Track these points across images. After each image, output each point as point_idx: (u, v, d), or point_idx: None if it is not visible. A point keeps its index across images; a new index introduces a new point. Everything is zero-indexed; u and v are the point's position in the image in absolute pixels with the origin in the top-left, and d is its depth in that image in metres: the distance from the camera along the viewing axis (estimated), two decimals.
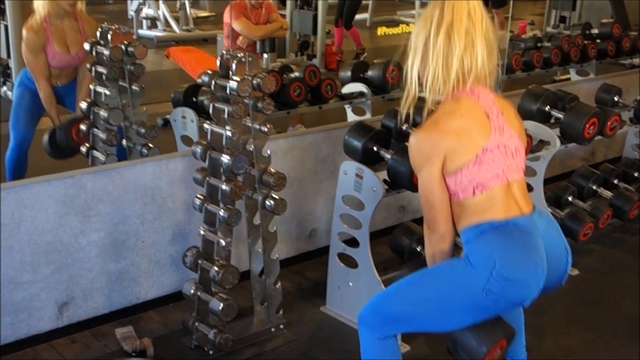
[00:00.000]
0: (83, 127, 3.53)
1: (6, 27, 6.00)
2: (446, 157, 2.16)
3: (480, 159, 2.15)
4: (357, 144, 3.10)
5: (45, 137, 3.86)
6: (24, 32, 3.75)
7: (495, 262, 2.09)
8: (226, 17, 5.43)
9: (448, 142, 2.15)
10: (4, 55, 6.24)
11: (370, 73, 4.70)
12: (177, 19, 10.13)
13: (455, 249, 2.28)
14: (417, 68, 2.22)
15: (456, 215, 2.24)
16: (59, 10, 3.70)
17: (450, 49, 2.15)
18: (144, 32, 10.01)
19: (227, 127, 2.83)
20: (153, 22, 10.17)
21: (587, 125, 3.68)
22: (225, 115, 2.83)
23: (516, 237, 2.16)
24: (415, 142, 2.21)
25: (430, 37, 2.17)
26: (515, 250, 2.14)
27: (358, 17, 9.54)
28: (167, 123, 4.69)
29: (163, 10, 9.93)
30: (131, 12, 10.25)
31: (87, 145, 3.53)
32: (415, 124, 2.31)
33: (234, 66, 2.82)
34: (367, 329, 2.30)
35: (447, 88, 2.20)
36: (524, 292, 2.13)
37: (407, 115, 2.30)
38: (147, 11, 10.06)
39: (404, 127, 3.24)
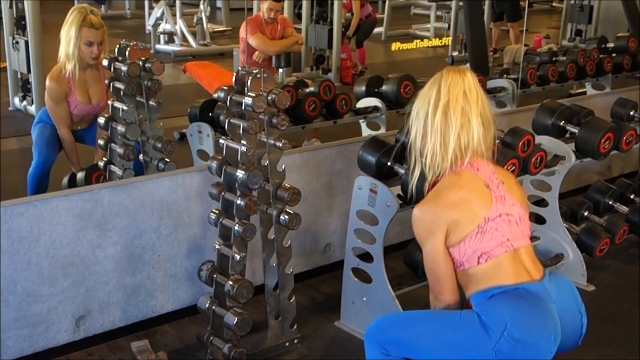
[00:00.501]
0: (101, 141, 3.57)
1: (27, 42, 6.11)
2: (449, 229, 2.23)
3: (483, 229, 2.21)
4: (371, 159, 3.12)
5: (65, 181, 3.92)
6: (48, 82, 3.84)
7: (506, 322, 2.12)
8: (242, 32, 5.49)
9: (450, 214, 2.23)
10: (24, 70, 6.34)
11: (384, 88, 4.73)
12: (194, 34, 10.23)
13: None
14: (419, 144, 2.34)
15: (464, 284, 2.29)
16: (83, 62, 3.78)
17: (448, 127, 2.26)
18: (162, 46, 10.11)
19: (243, 143, 2.86)
20: (170, 37, 10.28)
21: (603, 140, 3.67)
22: (241, 131, 2.86)
23: (528, 300, 2.18)
24: (418, 215, 2.29)
25: (429, 116, 2.28)
26: (527, 312, 2.16)
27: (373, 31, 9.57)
28: (183, 137, 4.73)
29: (180, 25, 10.03)
30: (149, 27, 10.37)
31: (104, 159, 3.57)
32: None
33: (249, 82, 2.85)
34: (372, 343, 2.34)
35: (446, 164, 2.30)
36: (534, 355, 2.13)
37: (415, 191, 2.45)
38: (164, 26, 10.16)
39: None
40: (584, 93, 6.29)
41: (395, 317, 2.43)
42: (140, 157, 3.66)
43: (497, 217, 2.23)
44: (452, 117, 2.25)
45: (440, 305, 2.31)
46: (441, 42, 9.50)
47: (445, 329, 2.25)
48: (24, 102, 6.53)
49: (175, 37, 10.11)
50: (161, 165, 3.59)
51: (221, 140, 2.97)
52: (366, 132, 4.72)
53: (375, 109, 4.68)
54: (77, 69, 3.77)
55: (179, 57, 9.65)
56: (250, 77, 2.85)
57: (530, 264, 2.27)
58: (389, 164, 3.11)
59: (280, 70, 5.79)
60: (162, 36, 10.29)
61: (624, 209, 4.21)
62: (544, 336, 2.13)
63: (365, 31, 8.58)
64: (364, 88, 4.79)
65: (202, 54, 9.81)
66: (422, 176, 2.39)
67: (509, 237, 2.24)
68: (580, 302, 2.33)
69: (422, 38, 10.76)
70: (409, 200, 2.98)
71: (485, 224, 2.21)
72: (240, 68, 2.92)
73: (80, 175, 3.79)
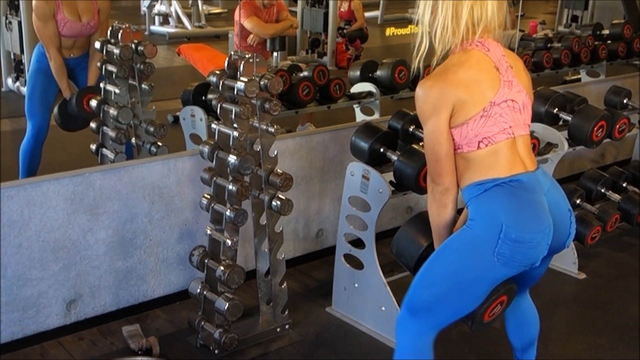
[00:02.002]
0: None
1: (19, 23, 6.06)
2: (454, 108, 2.13)
3: (488, 113, 2.13)
4: (364, 145, 3.11)
5: (56, 109, 3.85)
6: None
7: (501, 224, 2.08)
8: (237, 15, 5.45)
9: (457, 93, 2.12)
10: (17, 51, 6.30)
11: (379, 73, 4.70)
12: (189, 16, 10.16)
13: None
14: (427, 19, 2.20)
15: (460, 170, 2.21)
16: None
17: None
18: (156, 28, 10.06)
19: (235, 127, 2.85)
20: (165, 19, 10.23)
21: (595, 128, 3.67)
22: (233, 116, 2.84)
23: (521, 196, 2.14)
24: (423, 91, 2.16)
25: None
26: (520, 210, 2.12)
27: (369, 14, 9.56)
28: (177, 120, 4.71)
29: (175, 6, 9.98)
30: (143, 9, 10.30)
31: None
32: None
33: (241, 67, 2.83)
34: (404, 331, 2.31)
35: (457, 39, 2.17)
36: (533, 251, 2.13)
37: (418, 69, 2.25)
38: (159, 8, 10.11)
39: (411, 128, 3.25)
40: (579, 80, 6.28)
41: (411, 289, 2.31)
42: (133, 140, 3.65)
43: (502, 102, 2.14)
44: None
45: (438, 189, 2.21)
46: None
47: (447, 262, 2.20)
48: (17, 83, 6.50)
49: (170, 19, 10.07)
50: (153, 149, 3.58)
51: (213, 125, 2.95)
52: (360, 117, 4.71)
53: (370, 94, 4.66)
54: None
55: (173, 39, 9.60)
56: (242, 62, 2.83)
57: (526, 155, 2.21)
58: (381, 150, 3.10)
59: (275, 53, 5.75)
60: (157, 18, 10.24)
61: (616, 197, 4.22)
62: (539, 230, 2.11)
63: (358, 34, 8.52)
64: (358, 73, 4.77)
65: (197, 36, 9.77)
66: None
67: (512, 124, 2.16)
68: (569, 203, 2.29)
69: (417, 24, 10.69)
70: (412, 80, 2.84)
71: (490, 108, 2.12)
72: (232, 52, 2.90)
73: (71, 99, 3.70)
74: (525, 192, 2.15)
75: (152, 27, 10.04)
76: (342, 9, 8.20)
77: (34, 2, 3.73)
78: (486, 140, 2.14)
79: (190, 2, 10.45)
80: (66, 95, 3.81)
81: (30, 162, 3.90)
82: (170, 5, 10.00)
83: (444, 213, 2.24)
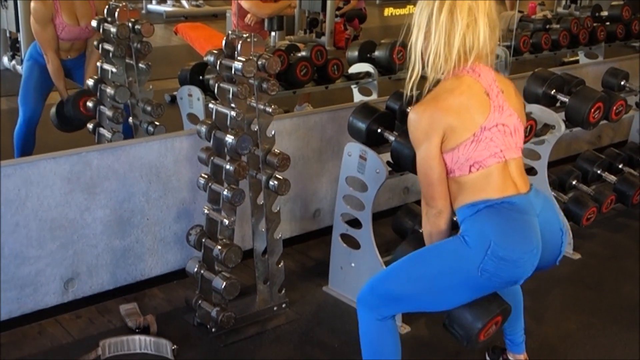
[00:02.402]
0: (90, 103, 3.54)
1: (15, 1, 6.02)
2: (445, 134, 2.16)
3: (478, 138, 2.17)
4: (361, 125, 3.11)
5: (53, 110, 3.85)
6: (33, 2, 3.70)
7: (490, 241, 2.12)
8: None
9: (447, 119, 2.16)
10: (13, 29, 6.27)
11: (377, 53, 4.69)
12: None
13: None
14: (420, 45, 2.22)
15: (453, 193, 2.25)
16: None
17: (453, 26, 2.15)
18: (153, 7, 10.00)
19: (232, 107, 2.85)
20: None
21: (592, 110, 3.67)
22: (230, 95, 2.84)
23: (511, 217, 2.18)
24: (415, 117, 2.21)
25: (433, 14, 2.17)
26: (510, 229, 2.16)
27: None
28: (174, 99, 4.70)
29: None
30: None
31: (93, 121, 3.54)
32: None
33: (239, 46, 2.82)
34: (365, 309, 2.33)
35: (449, 66, 2.20)
36: (519, 270, 2.16)
37: (411, 97, 2.30)
38: None
39: (408, 109, 3.23)
40: (577, 61, 6.27)
41: (382, 274, 2.39)
42: (130, 120, 3.64)
43: (493, 127, 2.18)
44: (458, 15, 2.14)
45: (432, 212, 2.26)
46: None
47: (429, 264, 2.25)
48: (13, 62, 6.47)
49: None
50: (150, 128, 3.58)
51: (210, 105, 2.95)
52: (358, 97, 4.70)
53: (367, 74, 4.66)
54: None
55: (171, 17, 9.55)
56: (240, 41, 2.82)
57: (519, 177, 2.25)
58: (379, 130, 3.11)
59: (273, 33, 5.72)
60: None
61: (612, 178, 4.23)
62: (527, 251, 2.15)
63: (356, 14, 8.49)
64: (356, 53, 4.75)
65: (195, 15, 9.71)
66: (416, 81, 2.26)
67: (502, 148, 2.20)
68: (562, 222, 2.33)
69: (415, 4, 10.65)
70: (406, 103, 2.87)
71: (481, 133, 2.16)
72: (230, 32, 2.89)
73: (67, 101, 3.70)
74: (516, 213, 2.19)
75: (149, 6, 9.98)
76: None
77: (32, 5, 3.73)
78: (477, 165, 2.18)
79: None
80: (63, 97, 3.82)
81: (24, 145, 3.91)
82: None
83: (438, 235, 2.30)
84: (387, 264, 3.11)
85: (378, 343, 2.37)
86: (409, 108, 3.12)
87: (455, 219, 2.30)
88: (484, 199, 2.19)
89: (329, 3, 7.68)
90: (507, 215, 2.18)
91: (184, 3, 9.94)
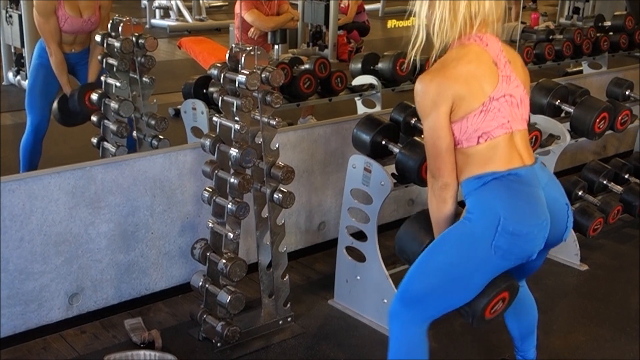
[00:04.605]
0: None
1: (20, 16, 6.05)
2: (454, 103, 2.13)
3: (487, 108, 2.14)
4: (366, 137, 3.10)
5: (55, 104, 3.83)
6: None
7: (499, 217, 2.10)
8: (237, 8, 5.44)
9: (456, 88, 2.13)
10: (17, 45, 6.29)
11: (380, 65, 4.69)
12: (189, 9, 10.14)
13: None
14: (425, 12, 2.20)
15: (459, 165, 2.21)
16: None
17: None
18: (157, 21, 10.04)
19: (236, 120, 2.84)
20: (166, 12, 10.20)
21: (598, 120, 3.66)
22: (234, 109, 2.84)
23: (518, 190, 2.15)
24: (422, 86, 2.16)
25: None
26: (518, 203, 2.13)
27: (370, 7, 9.53)
28: (178, 113, 4.70)
29: None
30: (144, 2, 10.28)
31: (98, 135, 3.53)
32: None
33: (242, 59, 2.82)
34: (397, 321, 2.31)
35: (454, 32, 2.17)
36: (530, 245, 2.14)
37: (415, 63, 2.26)
38: (160, 1, 10.09)
39: (412, 121, 3.24)
40: (581, 72, 6.26)
41: (406, 280, 2.32)
42: (134, 134, 3.64)
43: (501, 97, 2.15)
44: None
45: (438, 184, 2.21)
46: None
47: (444, 254, 2.21)
48: (18, 77, 6.49)
49: (171, 12, 10.04)
50: (155, 142, 3.58)
51: (214, 118, 2.95)
52: (362, 109, 4.70)
53: (371, 86, 4.65)
54: None
55: (174, 32, 9.58)
56: (243, 55, 2.82)
57: (524, 149, 2.22)
58: (383, 142, 3.10)
59: (276, 46, 5.73)
60: (157, 11, 10.22)
61: (618, 188, 4.21)
62: (536, 224, 2.13)
63: (356, 26, 8.50)
64: (359, 65, 4.75)
65: (198, 29, 9.74)
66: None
67: (510, 118, 2.17)
68: (566, 197, 2.30)
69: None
70: (411, 74, 2.85)
71: (489, 102, 2.13)
72: (234, 45, 2.89)
73: (72, 95, 3.68)
74: (523, 185, 2.16)
75: (153, 21, 10.02)
76: (342, 5, 8.18)
77: None
78: (485, 135, 2.15)
79: None
80: (67, 91, 3.80)
81: (30, 157, 3.90)
82: None
83: (444, 208, 2.24)
84: (393, 276, 3.10)
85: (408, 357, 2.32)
86: (413, 120, 3.15)
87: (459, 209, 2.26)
88: (490, 171, 2.15)
89: (331, 16, 7.69)
90: (514, 188, 2.14)
91: (188, 17, 9.97)
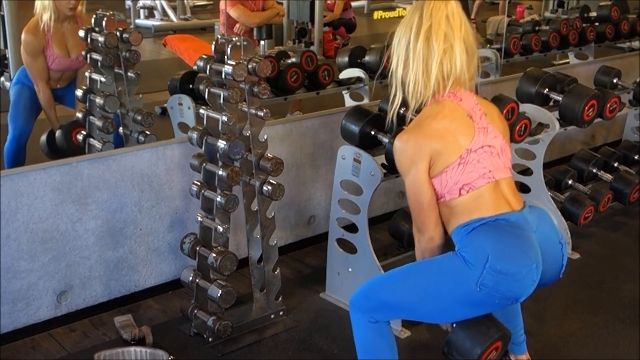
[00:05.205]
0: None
1: (3, 17, 5.96)
2: (431, 159, 2.19)
3: (465, 160, 2.19)
4: (355, 128, 3.08)
5: (43, 138, 3.81)
6: (23, 34, 3.69)
7: (488, 255, 2.10)
8: (222, 4, 5.39)
9: (432, 144, 2.19)
10: (1, 45, 6.21)
11: (367, 58, 4.67)
12: (174, 8, 10.07)
13: (447, 245, 2.29)
14: (400, 73, 2.28)
15: (445, 217, 2.26)
16: (60, 13, 3.62)
17: (430, 53, 2.21)
18: (141, 21, 9.95)
19: (223, 112, 2.81)
20: (150, 12, 10.12)
21: (586, 108, 3.65)
22: (221, 100, 2.80)
23: (508, 231, 2.17)
24: (400, 145, 2.25)
25: (411, 42, 2.23)
26: (507, 243, 2.15)
27: (355, 4, 9.50)
28: (165, 112, 4.64)
29: None
30: (128, 2, 10.19)
31: (83, 132, 3.50)
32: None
33: (229, 50, 2.79)
34: (358, 312, 2.31)
35: (428, 92, 2.24)
36: (518, 285, 2.13)
37: (392, 123, 2.43)
38: (144, 1, 10.01)
39: (402, 110, 3.20)
40: (567, 63, 6.26)
41: (377, 281, 2.39)
42: (120, 130, 3.60)
43: (479, 149, 2.20)
44: (434, 42, 2.19)
45: (424, 238, 2.26)
46: None
47: (426, 277, 2.22)
48: (2, 78, 6.39)
49: (155, 12, 9.97)
50: (141, 138, 3.53)
51: (201, 110, 2.92)
52: (349, 103, 4.67)
53: (358, 79, 4.63)
54: (54, 20, 3.60)
55: (159, 31, 9.50)
56: (230, 45, 2.79)
57: (511, 195, 2.25)
58: (372, 133, 3.07)
59: (262, 42, 5.69)
60: (142, 11, 10.14)
61: (608, 177, 4.21)
62: (525, 265, 2.12)
63: (342, 23, 8.47)
64: (346, 59, 4.73)
65: (183, 28, 9.67)
66: (401, 107, 2.33)
67: (491, 168, 2.21)
68: (560, 234, 2.31)
69: (405, 8, 10.66)
70: (388, 132, 2.93)
71: (467, 155, 2.18)
72: (219, 36, 2.85)
73: (59, 132, 3.67)
74: (514, 228, 2.18)
75: (137, 21, 9.93)
76: (328, 2, 8.15)
77: (23, 36, 3.71)
78: (467, 187, 2.19)
79: None
80: (54, 127, 3.78)
81: (15, 161, 3.85)
82: None
83: (431, 255, 2.29)
84: (385, 268, 3.08)
85: (373, 347, 2.34)
86: (402, 109, 3.13)
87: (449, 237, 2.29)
88: (477, 217, 2.19)
89: (317, 13, 7.66)
90: (504, 229, 2.17)
91: (172, 17, 9.90)
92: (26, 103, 3.80)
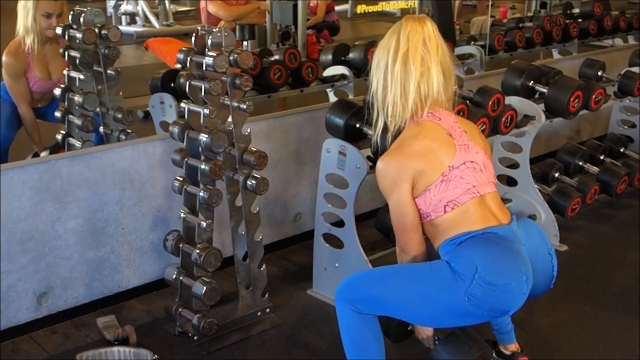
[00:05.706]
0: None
1: None
2: (414, 179, 2.21)
3: (448, 177, 2.20)
4: (339, 121, 3.04)
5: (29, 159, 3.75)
6: (4, 57, 3.63)
7: (477, 266, 2.09)
8: (202, 3, 5.35)
9: (414, 164, 2.21)
10: None
11: (351, 55, 4.65)
12: (156, 14, 10.03)
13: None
14: (380, 95, 2.33)
15: (432, 235, 2.27)
16: (41, 36, 3.56)
17: (407, 76, 2.26)
18: (124, 28, 9.85)
19: (205, 105, 2.76)
20: (132, 18, 10.07)
21: (572, 99, 3.63)
22: (203, 93, 2.75)
23: (497, 244, 2.16)
24: (382, 167, 2.27)
25: (388, 66, 2.28)
26: (497, 255, 2.14)
27: (339, 8, 9.49)
28: (147, 116, 4.59)
29: (142, 5, 9.84)
30: (110, 9, 10.14)
31: (62, 132, 3.43)
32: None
33: (209, 41, 2.74)
34: (343, 302, 2.30)
35: (407, 114, 2.29)
36: (508, 297, 2.12)
37: (377, 145, 2.51)
38: (125, 7, 9.96)
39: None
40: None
41: (365, 275, 2.40)
42: (101, 129, 3.53)
43: (461, 165, 2.22)
44: (411, 66, 2.24)
45: (407, 258, 2.29)
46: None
47: (415, 281, 2.21)
48: None
49: (137, 18, 9.92)
50: (122, 136, 3.46)
51: (182, 104, 2.86)
52: (334, 100, 4.62)
53: (343, 76, 4.60)
54: (36, 43, 3.55)
55: (141, 38, 9.43)
56: (210, 36, 2.74)
57: (497, 209, 2.26)
58: (357, 125, 3.03)
59: (245, 43, 5.65)
60: (124, 17, 10.09)
61: (594, 169, 4.20)
62: (515, 277, 2.11)
63: (326, 26, 8.46)
64: (330, 57, 4.70)
65: (166, 34, 9.60)
66: (385, 128, 2.37)
67: (475, 184, 2.22)
68: (550, 244, 2.32)
69: (390, 15, 10.68)
70: (373, 153, 2.92)
71: (449, 172, 2.20)
72: (199, 27, 2.80)
73: (43, 154, 3.64)
74: (502, 240, 2.18)
75: (120, 27, 9.89)
76: (311, 4, 8.13)
77: (4, 59, 3.65)
78: (452, 204, 2.20)
79: (157, 1, 10.30)
80: (38, 149, 3.73)
81: None
82: (137, 4, 9.86)
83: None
84: (372, 262, 3.03)
85: (360, 338, 2.32)
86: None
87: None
88: (465, 231, 2.19)
89: (300, 16, 7.63)
90: (493, 241, 2.16)
91: (155, 23, 9.85)
92: (7, 117, 3.74)
